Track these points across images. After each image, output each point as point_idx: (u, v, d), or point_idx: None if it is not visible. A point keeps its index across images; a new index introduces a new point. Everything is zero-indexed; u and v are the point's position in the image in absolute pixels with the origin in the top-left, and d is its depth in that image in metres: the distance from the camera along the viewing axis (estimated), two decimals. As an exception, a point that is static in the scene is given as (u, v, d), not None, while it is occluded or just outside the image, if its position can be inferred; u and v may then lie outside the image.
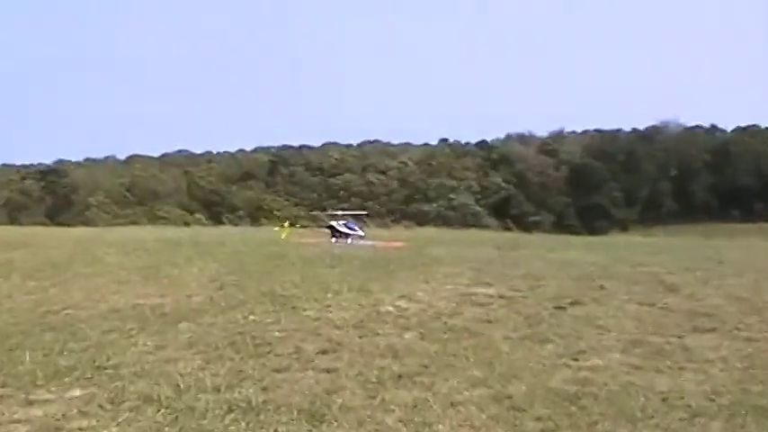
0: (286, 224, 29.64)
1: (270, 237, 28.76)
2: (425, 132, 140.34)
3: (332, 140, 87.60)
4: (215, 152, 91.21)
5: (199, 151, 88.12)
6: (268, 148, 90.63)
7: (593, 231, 47.73)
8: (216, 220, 61.54)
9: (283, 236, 27.75)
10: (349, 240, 26.35)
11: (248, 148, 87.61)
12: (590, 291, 11.05)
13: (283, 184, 70.26)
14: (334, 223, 27.48)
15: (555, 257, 17.73)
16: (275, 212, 61.57)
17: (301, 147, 79.88)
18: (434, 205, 60.63)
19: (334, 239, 26.62)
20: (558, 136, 70.23)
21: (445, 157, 69.22)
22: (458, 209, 59.28)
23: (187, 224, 57.24)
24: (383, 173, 68.21)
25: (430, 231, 40.49)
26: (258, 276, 12.82)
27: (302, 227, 31.45)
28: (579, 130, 73.41)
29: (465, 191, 62.06)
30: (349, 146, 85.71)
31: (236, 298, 10.30)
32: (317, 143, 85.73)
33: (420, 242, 25.86)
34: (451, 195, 60.63)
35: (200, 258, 16.40)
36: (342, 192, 65.65)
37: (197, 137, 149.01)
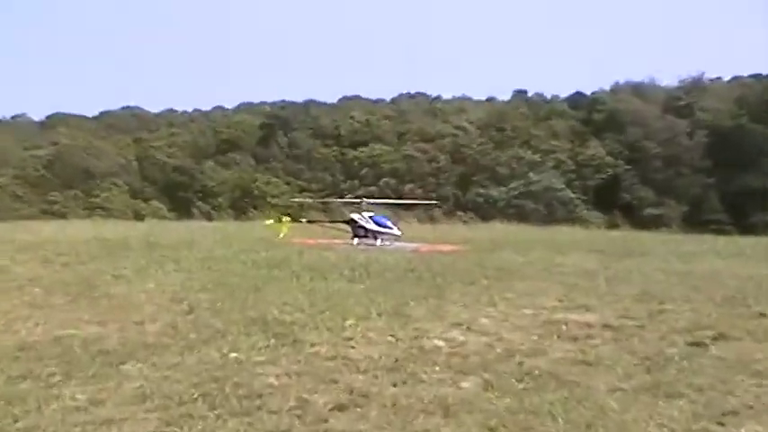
0: (285, 218, 30.12)
1: (262, 235, 29.42)
2: (493, 82, 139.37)
3: (353, 93, 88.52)
4: (180, 111, 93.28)
5: (155, 110, 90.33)
6: (260, 105, 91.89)
7: (746, 230, 46.52)
8: (182, 210, 62.72)
9: (281, 234, 28.37)
10: (379, 242, 27.16)
11: (229, 106, 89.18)
12: (743, 320, 11.05)
13: (282, 159, 71.07)
14: (356, 217, 28.29)
15: (687, 269, 17.80)
16: (270, 200, 62.48)
17: (308, 103, 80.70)
18: (505, 190, 60.38)
19: (356, 240, 27.54)
20: (695, 85, 67.83)
21: (522, 119, 68.76)
22: (540, 195, 58.77)
23: (139, 217, 58.53)
24: (429, 141, 68.25)
25: (498, 228, 40.74)
26: (244, 295, 13.05)
27: (309, 221, 32.14)
28: (727, 77, 71.27)
29: (551, 168, 61.52)
30: (379, 102, 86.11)
31: (211, 327, 10.46)
32: (331, 98, 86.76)
33: (483, 244, 26.42)
34: (531, 175, 60.20)
35: (158, 268, 16.83)
36: (367, 169, 65.96)
37: (152, 88, 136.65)
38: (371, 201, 31.44)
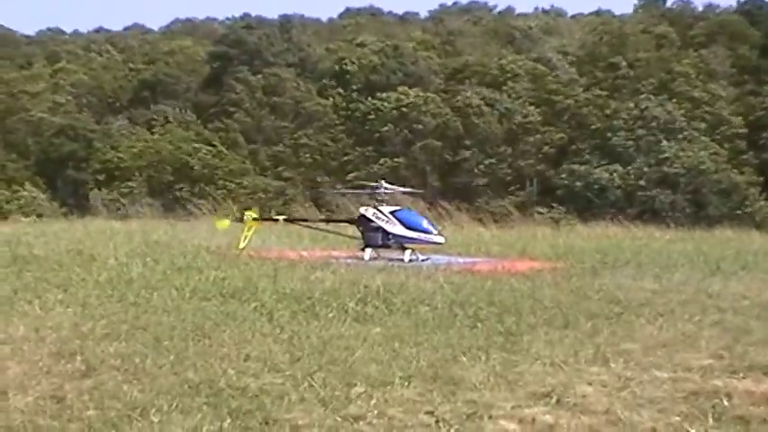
0: (249, 214, 30.35)
1: (210, 242, 29.53)
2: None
3: (363, 3, 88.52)
4: (69, 33, 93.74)
5: (28, 30, 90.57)
6: (205, 23, 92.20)
7: None
8: (74, 201, 63.02)
9: (243, 242, 28.90)
10: (408, 254, 27.56)
11: (154, 25, 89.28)
12: None
13: (246, 115, 71.10)
14: (370, 213, 28.64)
15: None
16: (223, 184, 62.70)
17: (287, 20, 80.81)
18: (622, 169, 59.92)
19: (368, 251, 28.02)
20: None
21: (653, 46, 68.38)
22: (683, 179, 58.34)
23: (1, 213, 58.85)
24: (496, 85, 68.05)
25: (611, 233, 40.53)
26: (179, 344, 13.08)
27: (290, 220, 32.49)
28: None
29: (704, 134, 60.85)
30: (409, 17, 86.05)
31: (123, 399, 10.50)
32: (326, 11, 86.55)
33: (586, 260, 26.50)
34: (668, 144, 59.68)
35: (32, 299, 16.91)
36: (390, 130, 65.98)
37: None
38: (396, 188, 31.42)
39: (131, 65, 78.11)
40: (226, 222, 30.99)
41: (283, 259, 24.95)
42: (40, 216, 56.89)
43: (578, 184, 59.86)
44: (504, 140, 65.26)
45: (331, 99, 70.62)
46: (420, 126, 65.74)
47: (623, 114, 62.37)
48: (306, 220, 33.80)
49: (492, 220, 45.64)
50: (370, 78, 70.32)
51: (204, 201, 55.95)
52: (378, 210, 28.29)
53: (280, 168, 66.06)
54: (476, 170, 63.73)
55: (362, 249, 27.79)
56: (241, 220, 30.20)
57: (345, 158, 66.46)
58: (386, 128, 66.28)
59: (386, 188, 29.75)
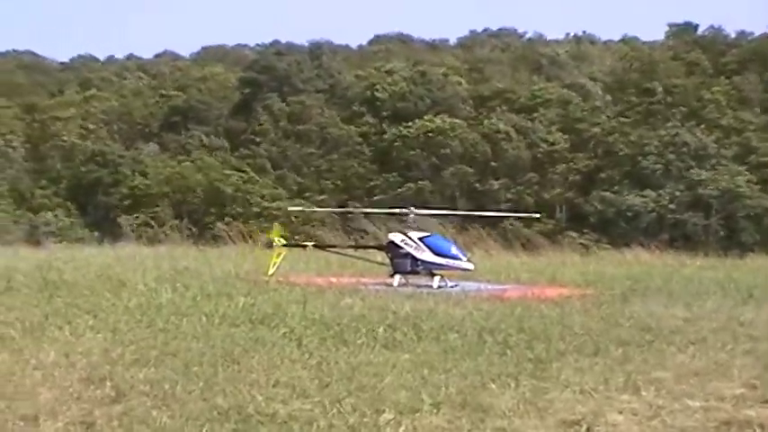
0: (277, 240, 30.43)
1: (236, 266, 29.54)
2: (632, 10, 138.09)
3: (393, 31, 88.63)
4: (101, 59, 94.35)
5: (61, 57, 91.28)
6: (236, 49, 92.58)
7: None
8: (104, 226, 63.28)
9: (271, 268, 29.01)
10: (437, 281, 27.71)
11: (185, 51, 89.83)
12: None
13: (274, 140, 71.36)
14: (399, 239, 28.81)
15: None
16: (256, 211, 62.93)
17: (317, 46, 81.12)
18: (654, 195, 59.75)
19: (397, 278, 28.24)
20: None
21: (684, 73, 68.24)
22: (716, 204, 58.14)
23: (32, 238, 59.12)
24: (526, 111, 68.02)
25: (642, 260, 40.42)
26: (208, 370, 13.09)
27: (319, 246, 32.52)
28: None
29: (735, 159, 60.71)
30: (439, 44, 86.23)
31: (152, 425, 10.48)
32: (356, 38, 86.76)
33: (616, 287, 26.46)
34: (698, 171, 59.49)
35: (62, 325, 17.00)
36: (419, 156, 66.07)
37: (54, 20, 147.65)
38: (424, 212, 31.42)
39: (162, 91, 78.42)
40: (273, 243, 30.99)
41: (312, 285, 25.03)
42: (70, 241, 57.18)
43: (610, 210, 59.66)
44: (533, 167, 65.17)
45: (358, 125, 70.70)
46: (448, 151, 65.74)
47: (654, 141, 62.16)
48: (334, 247, 33.87)
49: (521, 247, 45.60)
50: (398, 105, 70.40)
51: (231, 226, 56.06)
52: (406, 236, 28.33)
53: (307, 194, 66.05)
54: (504, 197, 63.62)
55: (391, 276, 27.84)
56: (271, 246, 30.28)
57: (372, 183, 66.46)
58: (412, 153, 66.32)
59: (415, 214, 29.81)
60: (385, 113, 70.58)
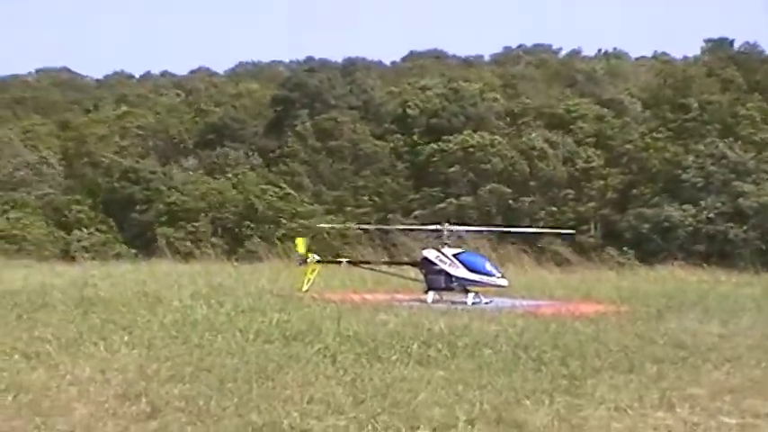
0: (311, 257, 30.50)
1: (270, 283, 29.66)
2: (667, 26, 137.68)
3: (426, 48, 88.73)
4: (137, 77, 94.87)
5: (96, 74, 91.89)
6: (270, 66, 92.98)
7: None
8: (139, 243, 63.55)
9: (306, 284, 29.19)
10: (471, 297, 27.70)
11: (219, 68, 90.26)
12: None
13: (308, 157, 71.54)
14: (432, 255, 28.90)
15: None
16: (286, 224, 63.09)
17: (350, 63, 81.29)
18: (692, 210, 59.45)
19: (431, 294, 28.32)
20: None
21: (720, 89, 67.90)
22: (755, 219, 57.72)
23: (66, 255, 59.56)
24: (562, 127, 67.86)
25: (678, 276, 40.18)
26: (243, 386, 13.14)
27: (353, 263, 32.60)
28: None
29: (762, 172, 60.38)
30: (473, 60, 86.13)
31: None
32: (389, 55, 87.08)
33: (652, 303, 26.34)
34: (739, 184, 59.16)
35: (98, 341, 17.13)
36: (455, 172, 66.00)
37: (88, 37, 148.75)
38: (458, 228, 31.40)
39: (197, 106, 78.74)
40: (303, 246, 31.10)
41: (346, 302, 25.01)
42: (106, 258, 57.41)
43: (645, 226, 59.40)
44: (568, 183, 65.02)
45: (391, 141, 70.70)
46: (488, 167, 65.60)
47: (691, 155, 61.91)
48: (368, 263, 33.83)
49: (555, 264, 45.40)
50: (431, 122, 70.38)
51: (268, 243, 56.18)
52: (440, 252, 28.34)
53: (342, 212, 66.05)
54: (539, 213, 63.43)
55: (425, 292, 27.86)
56: (305, 262, 30.35)
57: (409, 202, 66.38)
58: (452, 169, 66.12)
59: (449, 230, 29.80)
60: (417, 130, 70.60)
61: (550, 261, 45.48)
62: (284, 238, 55.84)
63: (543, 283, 34.18)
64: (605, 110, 68.74)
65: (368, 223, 59.65)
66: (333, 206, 67.68)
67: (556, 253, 50.26)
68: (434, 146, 67.91)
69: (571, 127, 67.84)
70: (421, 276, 28.86)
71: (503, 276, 28.33)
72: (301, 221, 62.97)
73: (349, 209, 66.80)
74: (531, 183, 65.38)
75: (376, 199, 67.59)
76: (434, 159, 67.39)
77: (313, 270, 29.81)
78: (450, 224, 30.96)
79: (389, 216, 64.42)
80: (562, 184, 65.20)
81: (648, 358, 15.84)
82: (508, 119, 71.40)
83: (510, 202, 64.35)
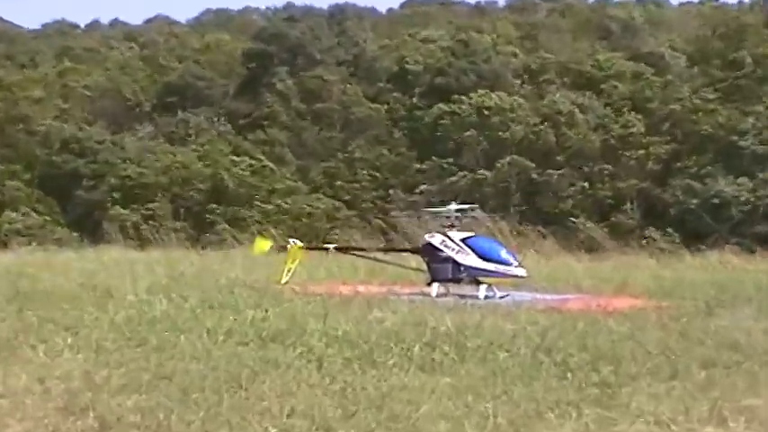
0: (293, 243, 30.49)
1: (246, 275, 29.71)
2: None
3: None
4: (81, 27, 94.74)
5: (30, 24, 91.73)
6: (241, 14, 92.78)
7: None
8: (84, 226, 63.32)
9: (286, 274, 29.36)
10: (483, 290, 27.67)
11: (180, 16, 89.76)
12: None
13: (287, 122, 71.27)
14: (437, 241, 28.84)
15: None
16: (261, 204, 62.76)
17: (338, 10, 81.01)
18: (749, 183, 59.40)
19: (435, 286, 28.18)
20: None
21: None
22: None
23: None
24: (592, 87, 67.66)
25: (730, 264, 40.07)
26: (211, 397, 13.10)
27: (342, 249, 32.76)
28: None
29: None
30: (484, 6, 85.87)
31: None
32: (386, 1, 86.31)
33: (698, 297, 26.23)
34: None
35: (36, 343, 17.01)
36: (465, 139, 65.75)
37: None
38: (468, 207, 31.36)
39: (155, 64, 78.61)
40: (266, 245, 31.19)
41: (334, 295, 24.97)
42: (45, 243, 57.26)
43: (692, 203, 59.37)
44: (602, 154, 64.95)
45: (388, 104, 70.44)
46: (500, 137, 65.41)
47: (750, 118, 61.84)
48: (361, 250, 33.82)
49: (585, 249, 45.34)
50: (435, 81, 70.19)
51: (236, 228, 56.08)
52: (447, 236, 28.28)
53: (328, 187, 66.02)
54: (568, 190, 63.39)
55: (428, 284, 27.81)
56: (284, 248, 30.32)
57: (410, 175, 66.30)
58: (467, 133, 65.81)
59: (456, 211, 29.72)
60: (419, 90, 70.41)
61: (578, 246, 45.40)
62: (262, 221, 55.89)
63: (569, 272, 34.14)
64: (644, 66, 68.62)
65: (362, 201, 59.81)
66: (320, 181, 67.65)
67: (585, 236, 50.17)
68: (443, 106, 67.61)
69: (602, 87, 67.79)
70: (423, 265, 28.78)
71: (521, 265, 28.28)
72: (281, 201, 62.93)
73: (339, 184, 66.72)
74: (558, 157, 65.30)
75: (373, 173, 67.48)
76: (442, 123, 67.21)
77: (294, 258, 29.78)
78: (459, 205, 30.87)
79: (390, 193, 64.41)
80: (594, 156, 65.21)
81: (696, 362, 15.75)
82: (527, 77, 71.25)
83: (533, 176, 64.35)
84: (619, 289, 28.99)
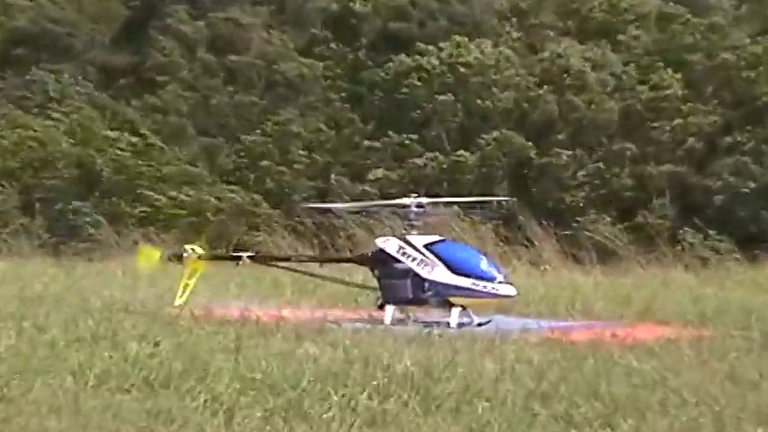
0: (191, 248, 30.47)
1: (124, 292, 29.57)
2: None
3: None
4: None
5: None
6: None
7: None
8: None
9: (182, 293, 29.30)
10: (454, 315, 27.65)
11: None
12: None
13: (193, 78, 71.13)
14: (393, 247, 28.66)
15: None
16: (156, 199, 62.72)
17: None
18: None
19: (390, 309, 28.04)
20: None
21: None
22: None
23: None
24: (608, 36, 67.84)
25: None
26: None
27: (258, 259, 32.52)
28: None
29: None
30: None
31: None
32: None
33: (751, 322, 26.39)
34: None
35: None
36: (438, 102, 65.74)
37: None
38: (440, 200, 31.46)
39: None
40: (154, 254, 31.11)
41: (250, 323, 25.03)
42: None
43: (747, 191, 59.54)
44: (622, 128, 65.17)
45: (327, 60, 70.46)
46: (490, 103, 65.43)
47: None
48: (287, 259, 33.75)
49: (597, 258, 45.32)
50: (390, 27, 70.30)
51: (121, 227, 56.01)
52: (406, 241, 28.24)
53: (243, 174, 65.90)
54: (575, 178, 63.44)
55: (380, 306, 27.82)
56: (180, 258, 30.24)
57: (354, 156, 66.37)
58: (439, 98, 65.61)
59: (423, 205, 29.72)
60: (367, 40, 70.41)
61: (587, 253, 45.29)
62: (150, 221, 55.84)
63: (574, 289, 34.27)
64: (677, 6, 68.93)
65: (291, 193, 59.88)
66: (232, 165, 67.57)
67: (596, 239, 50.09)
68: (404, 60, 67.46)
69: (620, 37, 67.97)
70: (374, 281, 28.79)
71: (507, 280, 28.30)
72: (177, 193, 62.80)
73: (260, 167, 66.50)
74: (561, 133, 65.45)
75: (305, 154, 67.34)
76: (403, 85, 67.07)
77: (194, 272, 29.70)
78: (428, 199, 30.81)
79: (331, 181, 64.36)
80: (611, 129, 65.36)
81: (750, 417, 15.77)
82: (516, 21, 71.39)
83: (529, 158, 64.42)
84: (643, 313, 29.16)
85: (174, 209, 59.17)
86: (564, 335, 24.65)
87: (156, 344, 21.25)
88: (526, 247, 41.93)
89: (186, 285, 29.11)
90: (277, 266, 32.75)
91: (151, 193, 63.55)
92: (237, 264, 31.71)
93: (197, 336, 22.66)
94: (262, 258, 32.92)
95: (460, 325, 26.80)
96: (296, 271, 32.16)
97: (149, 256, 31.50)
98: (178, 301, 28.33)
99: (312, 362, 19.69)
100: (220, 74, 70.38)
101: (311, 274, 31.83)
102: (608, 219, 59.55)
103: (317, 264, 32.82)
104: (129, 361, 19.50)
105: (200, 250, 30.63)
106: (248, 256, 32.09)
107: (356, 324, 26.10)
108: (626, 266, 44.00)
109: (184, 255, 30.32)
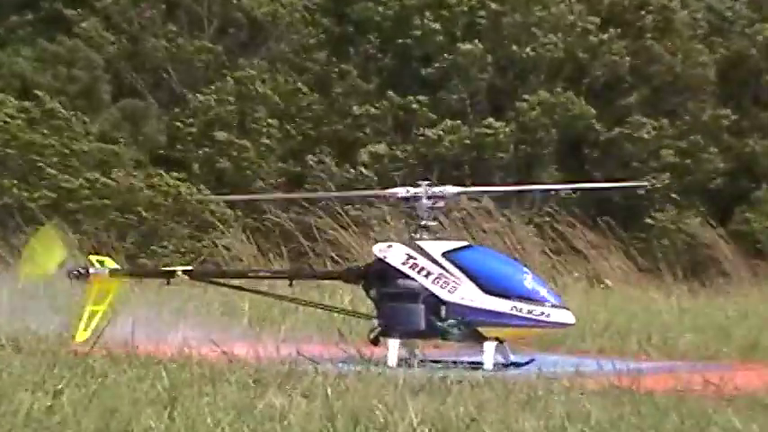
0: (97, 266, 30.26)
1: (9, 321, 29.41)
2: None
3: None
4: None
5: None
6: None
7: None
8: None
9: (86, 323, 28.76)
10: (489, 355, 27.33)
11: None
12: None
13: (121, 17, 71.89)
14: (398, 257, 28.27)
15: None
16: (49, 188, 62.98)
17: None
18: None
19: (393, 344, 27.67)
20: None
21: None
22: None
23: None
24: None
25: None
26: None
27: (196, 275, 32.18)
28: None
29: None
30: None
31: None
32: None
33: None
34: None
35: None
36: (443, 58, 66.17)
37: None
38: (464, 190, 31.41)
39: None
40: (50, 261, 30.79)
41: (189, 363, 24.89)
42: None
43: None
44: (718, 85, 65.62)
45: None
46: (528, 52, 65.62)
47: None
48: (242, 275, 33.48)
49: (682, 273, 45.36)
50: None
51: (8, 224, 56.25)
52: (416, 248, 28.01)
53: (185, 152, 66.16)
54: (656, 158, 63.64)
55: (373, 341, 27.54)
56: (84, 275, 29.93)
57: (343, 125, 66.61)
58: (462, 46, 66.03)
59: (435, 193, 29.45)
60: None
61: (666, 265, 45.28)
62: (50, 216, 56.00)
63: (650, 317, 34.30)
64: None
65: (253, 178, 60.10)
66: (173, 138, 67.85)
67: (679, 246, 50.21)
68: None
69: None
70: (370, 304, 28.58)
71: (562, 304, 28.05)
72: (89, 178, 63.11)
73: (219, 137, 66.71)
74: (631, 97, 65.76)
75: (275, 123, 67.55)
76: (413, 25, 67.34)
77: (104, 293, 29.42)
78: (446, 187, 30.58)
79: (309, 162, 64.49)
80: (701, 88, 65.74)
81: None
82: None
83: (594, 128, 64.75)
84: (747, 351, 29.15)
85: (84, 200, 59.24)
86: (635, 381, 24.49)
87: (57, 394, 21.13)
88: (584, 256, 41.94)
89: (93, 313, 28.71)
90: (226, 286, 32.39)
91: (51, 179, 63.72)
92: (168, 282, 31.20)
93: (114, 382, 22.50)
94: (203, 275, 32.59)
95: (496, 366, 26.48)
96: (256, 292, 31.87)
97: (45, 260, 30.64)
98: (82, 335, 28.01)
99: (277, 421, 19.52)
100: (158, 6, 70.50)
101: (277, 296, 31.64)
102: (698, 216, 59.58)
103: (287, 280, 32.51)
104: (20, 418, 19.39)
105: (112, 263, 30.28)
106: (184, 272, 31.40)
107: (341, 365, 25.89)
108: (724, 284, 44.14)
109: (90, 270, 29.96)
